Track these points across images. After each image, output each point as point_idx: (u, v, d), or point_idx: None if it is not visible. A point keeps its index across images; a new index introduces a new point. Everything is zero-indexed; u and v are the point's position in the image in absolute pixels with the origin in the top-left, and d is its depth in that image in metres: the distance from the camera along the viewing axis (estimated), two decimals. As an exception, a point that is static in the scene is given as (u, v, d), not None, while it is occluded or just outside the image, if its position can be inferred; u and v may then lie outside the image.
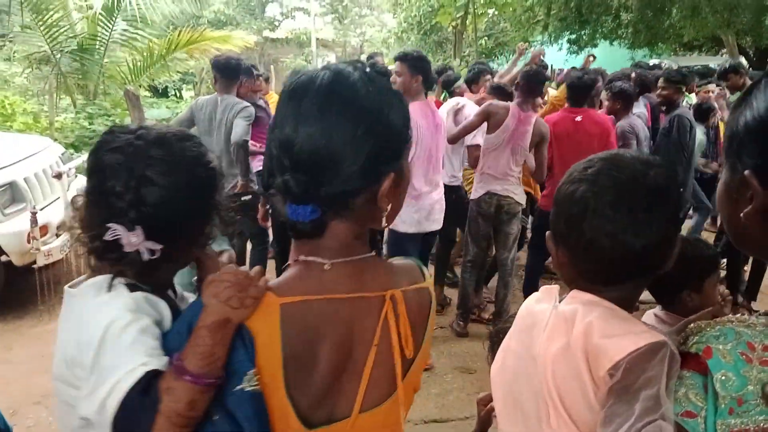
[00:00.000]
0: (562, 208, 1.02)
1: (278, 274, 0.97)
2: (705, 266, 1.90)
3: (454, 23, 11.67)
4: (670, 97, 4.97)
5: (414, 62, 3.73)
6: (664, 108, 5.22)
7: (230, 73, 4.49)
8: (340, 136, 0.86)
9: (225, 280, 0.88)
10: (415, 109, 3.47)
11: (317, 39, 25.85)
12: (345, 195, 0.88)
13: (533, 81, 4.13)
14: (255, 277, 0.90)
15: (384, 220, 0.95)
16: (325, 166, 0.86)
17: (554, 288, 1.07)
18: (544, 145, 4.13)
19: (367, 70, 0.93)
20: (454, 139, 4.23)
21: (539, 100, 4.29)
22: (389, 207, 0.93)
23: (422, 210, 3.79)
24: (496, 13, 13.76)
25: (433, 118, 3.79)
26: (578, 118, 4.38)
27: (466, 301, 4.46)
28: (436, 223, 3.89)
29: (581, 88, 4.46)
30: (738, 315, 0.82)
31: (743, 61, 16.22)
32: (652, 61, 12.45)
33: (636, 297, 1.03)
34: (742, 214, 0.80)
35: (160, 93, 18.17)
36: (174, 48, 10.24)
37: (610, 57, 13.60)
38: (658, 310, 2.11)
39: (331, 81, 0.88)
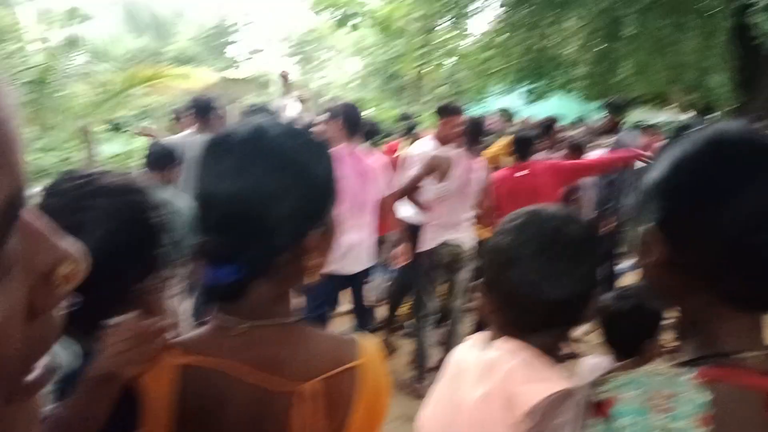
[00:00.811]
0: (490, 257, 1.08)
1: None
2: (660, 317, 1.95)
3: (414, 70, 11.93)
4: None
5: (335, 110, 4.03)
6: None
7: (209, 111, 4.62)
8: (263, 194, 0.81)
9: (123, 331, 0.81)
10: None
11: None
12: (269, 254, 0.83)
13: (477, 128, 4.24)
14: (157, 330, 0.83)
15: (309, 276, 0.91)
16: (247, 226, 0.81)
17: (484, 335, 1.09)
18: (491, 191, 4.26)
19: (293, 123, 0.92)
20: (403, 194, 4.19)
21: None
22: (315, 263, 0.89)
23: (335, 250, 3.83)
24: (455, 62, 14.13)
25: (356, 163, 3.87)
26: (525, 172, 4.47)
27: (424, 359, 4.27)
28: (351, 265, 3.86)
29: (526, 142, 4.57)
30: (651, 365, 0.85)
31: (690, 116, 17.08)
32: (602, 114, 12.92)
33: (560, 345, 1.08)
34: (648, 265, 0.85)
35: (118, 128, 17.92)
36: (133, 84, 10.15)
37: (566, 106, 14.11)
38: (613, 360, 2.13)
39: (253, 135, 0.84)
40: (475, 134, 4.19)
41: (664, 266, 0.83)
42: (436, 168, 4.10)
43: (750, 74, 11.35)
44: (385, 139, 5.37)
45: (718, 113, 15.27)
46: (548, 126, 5.89)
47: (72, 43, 9.12)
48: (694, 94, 14.83)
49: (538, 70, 13.68)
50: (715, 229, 0.77)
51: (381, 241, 4.64)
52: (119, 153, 10.53)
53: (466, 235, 4.18)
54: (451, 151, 4.24)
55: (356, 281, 4.08)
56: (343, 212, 3.49)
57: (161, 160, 4.00)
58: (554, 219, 1.05)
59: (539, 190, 4.29)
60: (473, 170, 4.12)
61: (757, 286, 0.78)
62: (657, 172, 0.85)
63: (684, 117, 16.13)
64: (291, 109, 6.24)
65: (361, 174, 3.88)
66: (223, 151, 0.83)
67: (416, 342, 4.34)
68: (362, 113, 4.16)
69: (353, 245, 3.84)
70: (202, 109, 4.78)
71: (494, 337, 1.08)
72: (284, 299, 0.91)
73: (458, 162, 4.09)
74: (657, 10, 11.32)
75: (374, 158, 4.24)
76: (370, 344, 0.96)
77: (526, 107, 13.78)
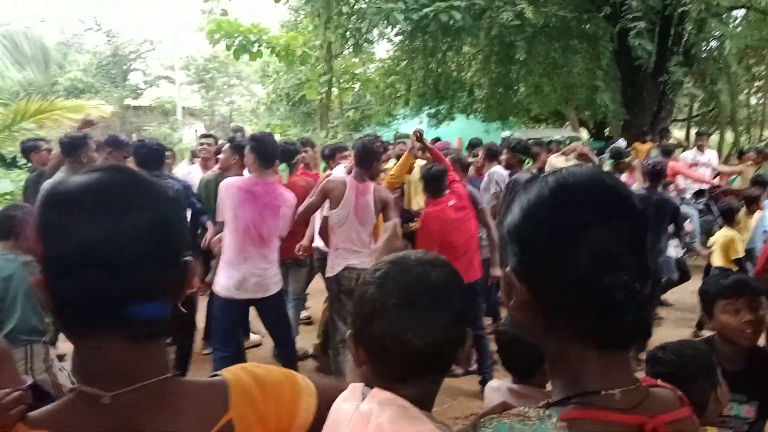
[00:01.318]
0: (356, 309, 1.06)
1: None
2: None
3: (319, 96, 11.97)
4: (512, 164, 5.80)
5: (238, 144, 4.39)
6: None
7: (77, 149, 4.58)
8: (125, 241, 0.79)
9: None
10: (233, 184, 3.92)
11: (183, 108, 25.39)
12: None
13: (367, 154, 4.24)
14: (7, 403, 0.79)
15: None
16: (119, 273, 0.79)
17: (359, 386, 1.06)
18: (391, 211, 4.21)
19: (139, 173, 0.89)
20: (300, 220, 4.25)
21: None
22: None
23: (232, 278, 3.88)
24: (361, 88, 14.34)
25: (253, 193, 3.88)
26: (451, 203, 4.52)
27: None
28: (249, 293, 3.93)
29: (438, 178, 4.59)
30: (522, 408, 0.83)
31: (584, 132, 18.13)
32: (504, 134, 13.49)
33: (434, 392, 1.07)
34: (507, 305, 0.88)
35: (9, 163, 16.79)
36: (21, 118, 9.54)
37: (468, 129, 14.59)
38: (511, 383, 2.18)
39: (108, 185, 0.83)
40: (364, 160, 4.21)
41: (525, 306, 0.85)
42: (330, 192, 4.15)
43: (632, 92, 12.25)
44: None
45: (608, 128, 16.31)
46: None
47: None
48: (586, 111, 15.73)
49: (439, 94, 14.12)
50: (565, 272, 0.81)
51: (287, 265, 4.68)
52: (10, 191, 9.86)
53: (371, 259, 4.17)
54: (346, 177, 4.29)
55: (265, 307, 4.07)
56: (229, 233, 3.47)
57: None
58: (417, 267, 1.04)
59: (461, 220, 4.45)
60: (365, 193, 4.14)
61: (611, 323, 0.81)
62: (511, 217, 0.88)
63: (580, 133, 17.08)
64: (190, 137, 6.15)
65: (266, 205, 3.88)
66: (76, 202, 0.79)
67: (333, 366, 4.34)
68: (274, 141, 4.12)
69: (248, 275, 3.88)
70: (68, 148, 4.65)
71: (368, 388, 1.05)
72: (161, 353, 0.86)
73: (351, 186, 4.12)
74: (546, 35, 12.01)
75: (286, 187, 4.27)
76: (239, 385, 0.93)
77: (432, 130, 14.16)
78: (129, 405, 0.81)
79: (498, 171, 5.91)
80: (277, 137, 5.13)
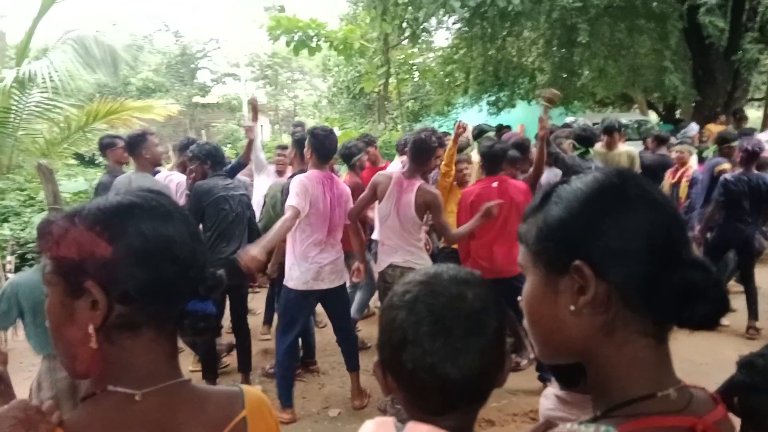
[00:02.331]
0: (385, 336, 0.97)
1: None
2: None
3: (377, 89, 12.00)
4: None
5: (298, 139, 4.46)
6: None
7: (138, 146, 4.84)
8: None
9: (11, 416, 0.81)
10: (308, 177, 3.95)
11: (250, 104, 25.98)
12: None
13: (421, 150, 4.06)
14: (46, 411, 0.83)
15: None
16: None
17: (389, 421, 1.00)
18: (436, 211, 4.02)
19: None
20: (352, 215, 4.21)
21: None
22: None
23: (309, 270, 3.96)
24: (419, 78, 14.28)
25: (325, 187, 3.95)
26: (494, 185, 4.43)
27: None
28: (325, 282, 4.01)
29: (494, 157, 4.54)
30: (568, 425, 0.79)
31: (653, 115, 17.41)
32: (568, 119, 13.10)
33: (473, 420, 1.00)
34: (574, 306, 0.81)
35: (87, 162, 17.73)
36: (93, 119, 10.05)
37: (531, 116, 14.25)
38: (558, 390, 2.14)
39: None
40: (417, 157, 4.05)
41: (597, 303, 0.80)
42: (378, 187, 4.12)
43: (704, 72, 11.66)
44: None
45: (679, 110, 15.59)
46: (523, 146, 5.70)
47: (24, 82, 8.98)
48: (654, 94, 15.10)
49: (499, 81, 13.87)
50: (644, 262, 0.79)
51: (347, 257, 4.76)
52: (83, 189, 10.42)
53: (416, 257, 4.06)
54: (393, 172, 4.23)
55: (333, 297, 4.12)
56: (306, 225, 3.51)
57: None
58: (448, 291, 0.95)
59: (512, 203, 4.31)
60: (408, 191, 4.01)
61: (697, 305, 0.79)
62: (562, 210, 0.85)
63: (648, 116, 16.41)
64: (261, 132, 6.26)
65: (331, 194, 3.96)
66: None
67: None
68: (332, 136, 4.13)
69: (323, 265, 3.97)
70: (130, 146, 4.87)
71: (400, 424, 0.98)
72: (173, 356, 0.91)
73: (396, 182, 4.04)
74: (609, 16, 11.58)
75: (344, 182, 4.34)
76: (253, 393, 0.99)
77: (493, 117, 13.94)
78: (156, 405, 0.86)
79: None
80: (337, 131, 5.20)
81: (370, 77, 12.03)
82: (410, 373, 0.92)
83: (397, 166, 5.17)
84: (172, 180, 5.33)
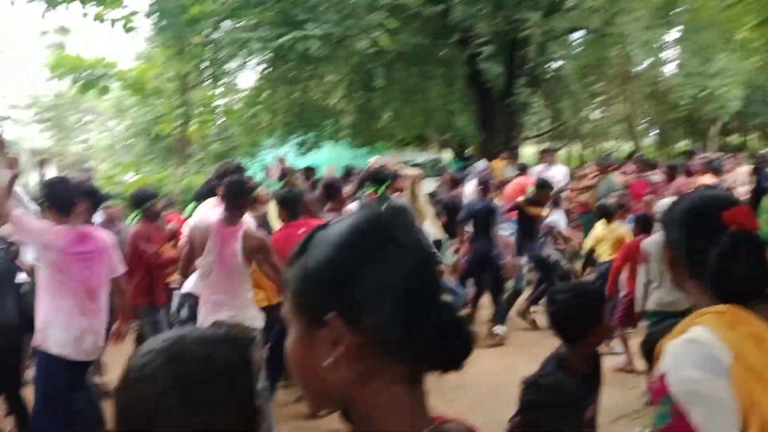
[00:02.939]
0: (125, 415, 0.87)
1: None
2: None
3: (175, 130, 11.49)
4: None
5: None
6: None
7: None
8: None
9: None
10: (56, 231, 3.47)
11: (32, 149, 23.47)
12: None
13: (238, 192, 3.82)
14: None
15: None
16: None
17: None
18: (267, 254, 3.78)
19: None
20: (183, 274, 3.97)
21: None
22: None
23: (70, 333, 3.48)
24: (224, 119, 13.97)
25: (81, 244, 3.52)
26: (301, 231, 4.25)
27: None
28: (84, 354, 3.55)
29: (291, 202, 4.47)
30: None
31: (449, 154, 18.88)
32: (371, 159, 13.65)
33: None
34: (325, 364, 0.78)
35: None
36: None
37: (337, 155, 14.64)
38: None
39: None
40: (235, 200, 3.76)
41: (344, 361, 0.78)
42: (195, 240, 3.76)
43: (486, 114, 12.93)
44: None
45: (470, 149, 17.11)
46: (333, 186, 5.71)
47: None
48: (447, 134, 16.39)
49: (305, 122, 14.07)
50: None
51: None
52: None
53: (244, 312, 3.75)
54: (210, 221, 3.87)
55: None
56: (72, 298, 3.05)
57: None
58: (193, 354, 0.88)
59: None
60: (232, 239, 3.70)
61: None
62: (318, 261, 0.81)
63: (443, 155, 17.76)
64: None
65: (85, 253, 3.51)
66: None
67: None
68: (69, 183, 3.74)
69: (84, 332, 3.50)
70: None
71: None
72: None
73: (216, 233, 3.70)
74: (403, 62, 12.40)
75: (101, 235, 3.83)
76: None
77: (301, 158, 14.05)
78: None
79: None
80: (132, 176, 4.75)
81: (168, 119, 11.49)
82: None
83: (207, 209, 4.73)
84: None
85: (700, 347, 1.15)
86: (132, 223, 5.25)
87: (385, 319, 0.78)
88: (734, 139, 24.75)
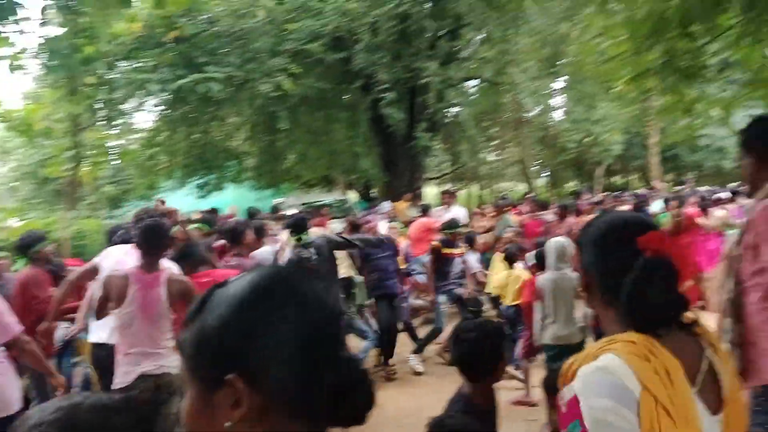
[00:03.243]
0: None
1: None
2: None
3: (64, 173, 10.88)
4: None
5: None
6: None
7: None
8: None
9: None
10: None
11: None
12: None
13: (156, 236, 3.60)
14: None
15: None
16: None
17: None
18: (192, 298, 3.39)
19: None
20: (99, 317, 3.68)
21: None
22: None
23: None
24: (119, 161, 13.41)
25: None
26: (205, 280, 4.05)
27: None
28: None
29: (188, 256, 4.34)
30: None
31: (354, 194, 19.05)
32: (276, 200, 13.53)
33: None
34: (227, 425, 0.76)
35: None
36: None
37: (240, 197, 14.37)
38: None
39: None
40: (152, 244, 3.54)
41: (256, 415, 0.77)
42: (111, 291, 3.48)
43: (389, 156, 13.24)
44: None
45: (375, 190, 17.36)
46: (236, 231, 5.56)
47: None
48: (352, 176, 16.57)
49: (207, 164, 13.76)
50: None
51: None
52: None
53: (169, 360, 3.48)
54: (127, 270, 3.59)
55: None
56: None
57: None
58: (89, 422, 0.86)
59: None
60: (154, 285, 3.51)
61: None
62: (217, 322, 0.81)
63: (348, 196, 17.90)
64: None
65: None
66: None
67: None
68: None
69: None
70: None
71: None
72: None
73: (136, 281, 3.48)
74: (307, 105, 12.50)
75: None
76: None
77: (202, 200, 13.67)
78: None
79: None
80: (17, 221, 4.41)
81: (57, 160, 10.87)
82: None
83: (115, 254, 4.33)
84: None
85: (610, 376, 1.15)
86: (20, 269, 4.89)
87: (286, 378, 0.78)
88: (618, 179, 26.83)
